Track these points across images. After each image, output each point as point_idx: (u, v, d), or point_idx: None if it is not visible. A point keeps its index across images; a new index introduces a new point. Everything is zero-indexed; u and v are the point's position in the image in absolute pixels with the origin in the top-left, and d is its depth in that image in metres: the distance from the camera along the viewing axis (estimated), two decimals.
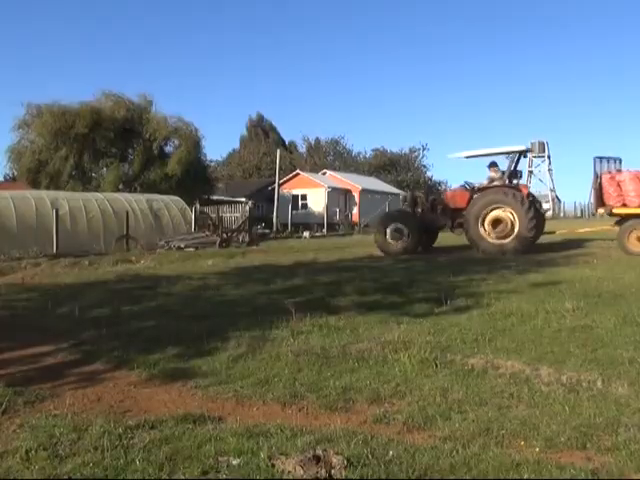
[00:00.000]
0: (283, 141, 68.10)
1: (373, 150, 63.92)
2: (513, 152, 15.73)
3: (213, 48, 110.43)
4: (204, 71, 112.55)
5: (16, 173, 33.38)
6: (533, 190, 67.72)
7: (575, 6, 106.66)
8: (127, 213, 20.62)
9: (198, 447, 3.33)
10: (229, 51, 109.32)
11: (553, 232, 16.91)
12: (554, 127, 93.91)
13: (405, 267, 12.09)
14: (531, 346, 5.37)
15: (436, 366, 4.81)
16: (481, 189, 15.15)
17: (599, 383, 4.26)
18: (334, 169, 51.18)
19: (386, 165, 58.75)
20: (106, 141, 30.85)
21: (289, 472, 2.99)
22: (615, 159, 15.41)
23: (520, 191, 14.70)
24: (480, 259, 13.29)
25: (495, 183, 15.12)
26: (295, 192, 41.40)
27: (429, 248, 15.54)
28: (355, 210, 42.35)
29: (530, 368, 4.65)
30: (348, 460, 3.07)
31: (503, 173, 15.35)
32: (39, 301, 8.60)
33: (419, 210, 15.43)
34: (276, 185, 36.95)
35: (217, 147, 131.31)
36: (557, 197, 63.40)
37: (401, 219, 15.15)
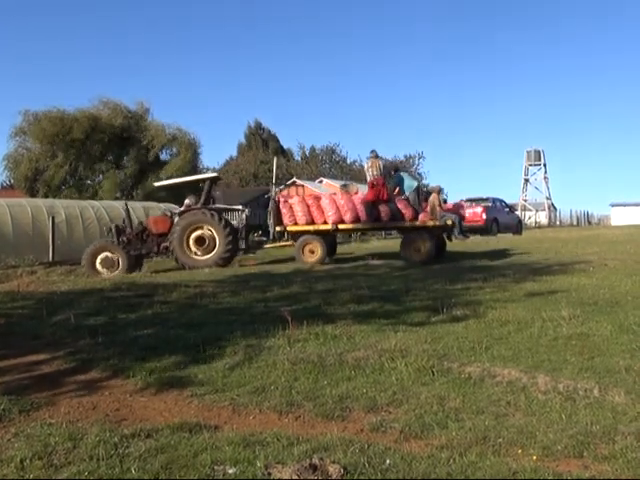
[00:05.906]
0: (282, 149, 68.00)
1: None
2: (202, 180, 17.80)
3: (212, 56, 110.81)
4: (202, 79, 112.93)
5: (13, 181, 33.32)
6: (529, 198, 67.26)
7: (574, 13, 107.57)
8: (124, 221, 20.56)
9: (194, 456, 3.32)
10: (229, 57, 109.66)
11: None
12: (551, 135, 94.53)
13: (401, 275, 12.09)
14: (528, 354, 5.36)
15: (433, 374, 4.81)
16: (181, 213, 16.66)
17: (596, 391, 4.26)
18: (331, 177, 51.22)
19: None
20: (102, 148, 30.84)
21: None
22: (293, 184, 17.60)
23: (216, 211, 16.42)
24: (476, 268, 13.30)
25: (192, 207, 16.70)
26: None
27: (139, 270, 16.39)
28: None
29: (527, 376, 4.65)
30: (345, 469, 3.06)
31: (199, 199, 16.88)
32: (35, 309, 8.55)
33: (124, 239, 16.40)
34: (272, 193, 36.93)
35: (214, 154, 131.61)
36: (553, 205, 63.63)
37: (108, 249, 16.10)
